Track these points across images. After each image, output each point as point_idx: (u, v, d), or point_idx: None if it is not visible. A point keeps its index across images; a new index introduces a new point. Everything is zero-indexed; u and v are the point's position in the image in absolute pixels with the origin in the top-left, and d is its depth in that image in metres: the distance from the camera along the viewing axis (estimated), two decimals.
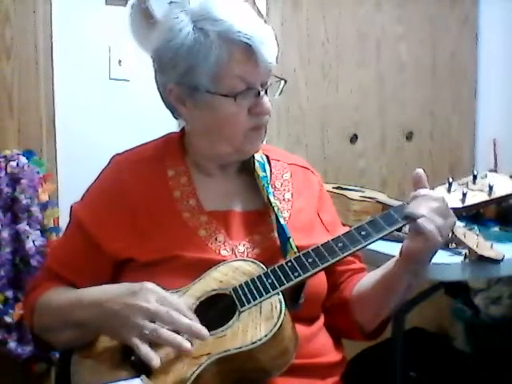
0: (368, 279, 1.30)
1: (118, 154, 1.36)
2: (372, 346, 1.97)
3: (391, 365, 1.86)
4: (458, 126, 2.99)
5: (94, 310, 1.15)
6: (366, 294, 1.29)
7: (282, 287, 1.14)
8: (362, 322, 1.31)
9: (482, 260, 1.56)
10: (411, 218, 1.14)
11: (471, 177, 1.19)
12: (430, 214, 1.12)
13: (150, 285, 1.12)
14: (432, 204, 1.14)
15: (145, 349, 1.07)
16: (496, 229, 1.89)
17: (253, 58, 1.19)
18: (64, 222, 1.38)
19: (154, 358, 1.06)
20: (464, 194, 1.17)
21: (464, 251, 1.61)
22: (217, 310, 1.14)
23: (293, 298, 1.17)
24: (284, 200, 1.33)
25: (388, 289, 1.24)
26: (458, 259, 1.62)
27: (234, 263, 1.20)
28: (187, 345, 1.06)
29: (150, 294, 1.10)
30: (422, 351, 2.23)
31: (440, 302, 2.68)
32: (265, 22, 1.23)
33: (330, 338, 1.30)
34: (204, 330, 1.08)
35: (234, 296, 1.14)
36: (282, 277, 1.15)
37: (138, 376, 1.08)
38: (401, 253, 1.19)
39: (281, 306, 1.11)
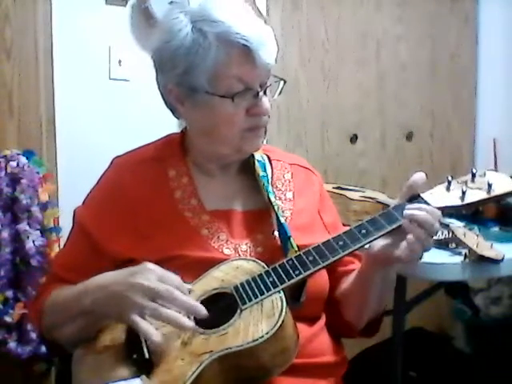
0: (349, 278, 1.32)
1: (118, 156, 1.36)
2: (372, 346, 1.97)
3: (391, 365, 1.86)
4: (458, 126, 2.99)
5: (98, 294, 1.15)
6: (347, 293, 1.31)
7: (283, 285, 1.14)
8: (350, 319, 1.32)
9: (482, 260, 1.56)
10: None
11: (470, 175, 1.19)
12: (423, 234, 1.13)
13: (149, 265, 1.13)
14: (428, 220, 1.14)
15: (145, 325, 1.07)
16: (496, 229, 1.89)
17: (251, 59, 1.19)
18: (64, 222, 1.39)
19: (154, 334, 1.06)
20: (463, 192, 1.17)
21: (464, 251, 1.61)
22: (218, 309, 1.14)
23: (294, 296, 1.18)
24: (285, 200, 1.33)
25: (363, 285, 1.26)
26: (458, 259, 1.62)
27: (235, 262, 1.21)
28: (189, 323, 1.07)
29: (151, 274, 1.11)
30: (422, 351, 2.23)
31: (440, 301, 2.68)
32: (265, 22, 1.23)
33: (330, 338, 1.30)
34: (202, 308, 1.09)
35: (235, 294, 1.15)
36: (283, 275, 1.15)
37: (139, 375, 1.08)
38: (371, 253, 1.19)
39: (282, 303, 1.11)
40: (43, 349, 1.98)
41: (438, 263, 1.57)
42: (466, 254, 1.61)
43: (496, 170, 2.52)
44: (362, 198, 1.95)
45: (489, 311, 2.56)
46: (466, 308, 2.62)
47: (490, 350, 2.44)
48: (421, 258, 1.17)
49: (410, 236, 1.13)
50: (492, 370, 2.22)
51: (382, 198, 1.97)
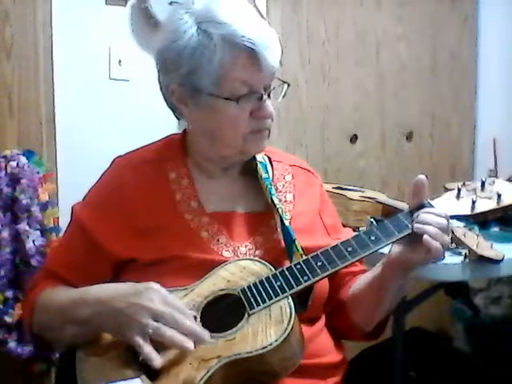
0: (361, 281, 1.31)
1: (119, 156, 1.36)
2: (372, 346, 1.97)
3: (391, 365, 1.86)
4: (458, 126, 2.99)
5: (97, 307, 1.15)
6: (359, 296, 1.30)
7: (292, 291, 1.13)
8: (358, 322, 1.31)
9: (482, 260, 1.56)
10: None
11: (479, 183, 1.20)
12: (439, 232, 1.14)
13: (154, 285, 1.12)
14: (439, 220, 1.15)
15: (147, 348, 1.07)
16: (496, 229, 1.88)
17: (256, 62, 1.18)
18: (64, 222, 1.39)
19: (156, 359, 1.06)
20: (473, 202, 1.18)
21: (464, 251, 1.61)
22: (225, 311, 1.14)
23: (300, 300, 1.17)
24: (286, 202, 1.33)
25: (379, 290, 1.25)
26: (458, 259, 1.61)
27: (242, 262, 1.20)
28: (190, 345, 1.06)
29: (154, 294, 1.11)
30: (422, 351, 2.23)
31: (440, 302, 2.68)
32: (269, 23, 1.23)
33: (330, 339, 1.30)
34: (205, 334, 1.08)
35: (242, 297, 1.14)
36: (292, 280, 1.14)
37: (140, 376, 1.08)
38: (392, 258, 1.20)
39: (290, 310, 1.11)
40: None
41: (438, 263, 1.57)
42: (465, 254, 1.61)
43: (496, 170, 2.52)
44: (362, 198, 1.95)
45: (489, 311, 2.56)
46: (465, 308, 2.62)
47: (490, 350, 2.44)
48: (443, 259, 1.17)
49: (425, 236, 1.14)
50: (492, 369, 2.22)
51: (382, 198, 1.97)
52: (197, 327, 1.09)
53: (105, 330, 1.17)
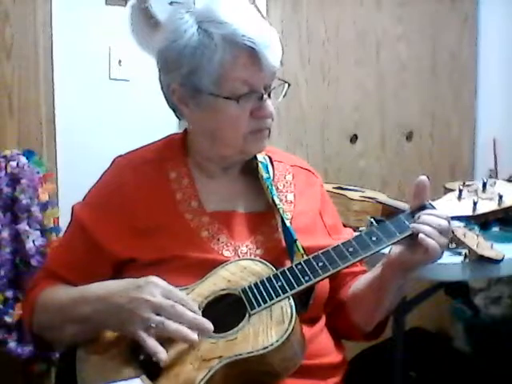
0: (361, 281, 1.31)
1: (119, 156, 1.36)
2: (372, 346, 1.97)
3: (391, 365, 1.86)
4: (458, 126, 2.99)
5: (98, 304, 1.15)
6: (359, 296, 1.30)
7: (293, 291, 1.13)
8: (358, 322, 1.31)
9: (482, 260, 1.56)
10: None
11: (480, 184, 1.20)
12: (435, 233, 1.14)
13: (154, 278, 1.12)
14: (440, 221, 1.15)
15: (152, 342, 1.07)
16: (496, 229, 1.89)
17: (257, 62, 1.18)
18: (64, 222, 1.39)
19: (161, 352, 1.06)
20: (475, 203, 1.18)
21: (464, 251, 1.61)
22: (225, 311, 1.14)
23: (301, 300, 1.17)
24: (286, 201, 1.33)
25: (379, 290, 1.25)
26: (458, 259, 1.62)
27: (242, 262, 1.20)
28: (194, 336, 1.06)
29: (155, 288, 1.10)
30: (422, 351, 2.23)
31: (440, 301, 2.68)
32: (270, 24, 1.23)
33: (330, 339, 1.30)
34: (208, 324, 1.08)
35: (243, 297, 1.14)
36: (293, 280, 1.14)
37: (139, 376, 1.08)
38: (391, 259, 1.20)
39: (292, 310, 1.11)
40: None
41: (438, 263, 1.57)
42: (465, 253, 1.61)
43: (496, 170, 2.52)
44: (362, 198, 1.95)
45: (489, 311, 2.56)
46: (465, 308, 2.62)
47: (490, 350, 2.44)
48: (440, 258, 1.18)
49: (421, 235, 1.14)
50: (492, 369, 2.22)
51: (382, 198, 1.98)
52: (200, 318, 1.09)
53: (107, 327, 1.16)
